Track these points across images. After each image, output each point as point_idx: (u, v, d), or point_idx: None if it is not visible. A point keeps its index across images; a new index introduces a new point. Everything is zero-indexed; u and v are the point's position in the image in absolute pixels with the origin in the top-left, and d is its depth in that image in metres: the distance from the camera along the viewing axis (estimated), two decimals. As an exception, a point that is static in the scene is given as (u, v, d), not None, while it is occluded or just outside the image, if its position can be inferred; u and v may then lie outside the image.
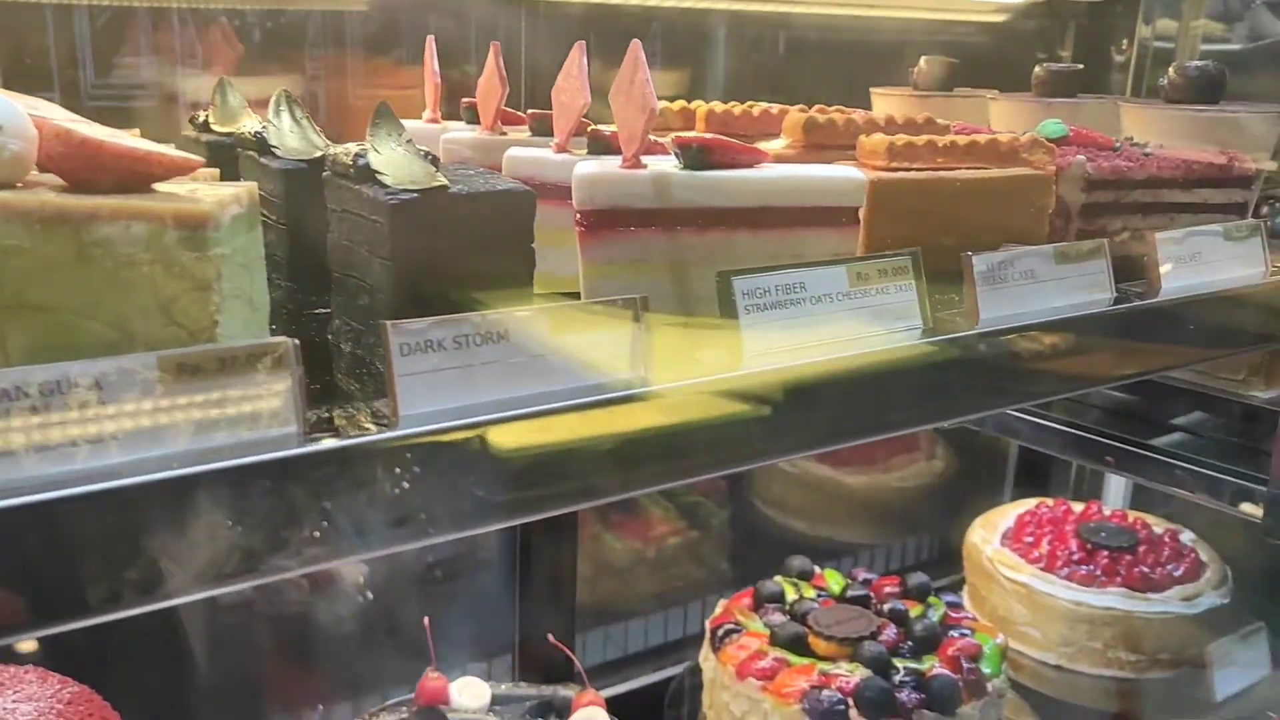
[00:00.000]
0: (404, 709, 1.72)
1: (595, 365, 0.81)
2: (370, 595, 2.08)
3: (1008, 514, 2.49)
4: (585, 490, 0.84)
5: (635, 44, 0.97)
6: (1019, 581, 2.25)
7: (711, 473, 0.86)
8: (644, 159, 1.00)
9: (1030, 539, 2.37)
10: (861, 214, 1.10)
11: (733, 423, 0.84)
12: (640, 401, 0.82)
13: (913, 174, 1.12)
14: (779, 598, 2.06)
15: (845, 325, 0.91)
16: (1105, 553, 2.28)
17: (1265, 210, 1.85)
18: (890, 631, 1.94)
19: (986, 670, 1.89)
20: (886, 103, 1.87)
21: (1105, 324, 1.05)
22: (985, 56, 2.48)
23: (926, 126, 1.26)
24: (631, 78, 0.96)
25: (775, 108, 1.40)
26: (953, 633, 1.97)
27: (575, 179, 0.97)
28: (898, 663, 1.88)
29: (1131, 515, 2.47)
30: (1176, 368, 1.16)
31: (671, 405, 0.82)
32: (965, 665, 1.85)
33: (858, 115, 1.28)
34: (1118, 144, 1.27)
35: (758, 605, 2.06)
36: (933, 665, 1.87)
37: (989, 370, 0.98)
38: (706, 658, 1.97)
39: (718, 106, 1.39)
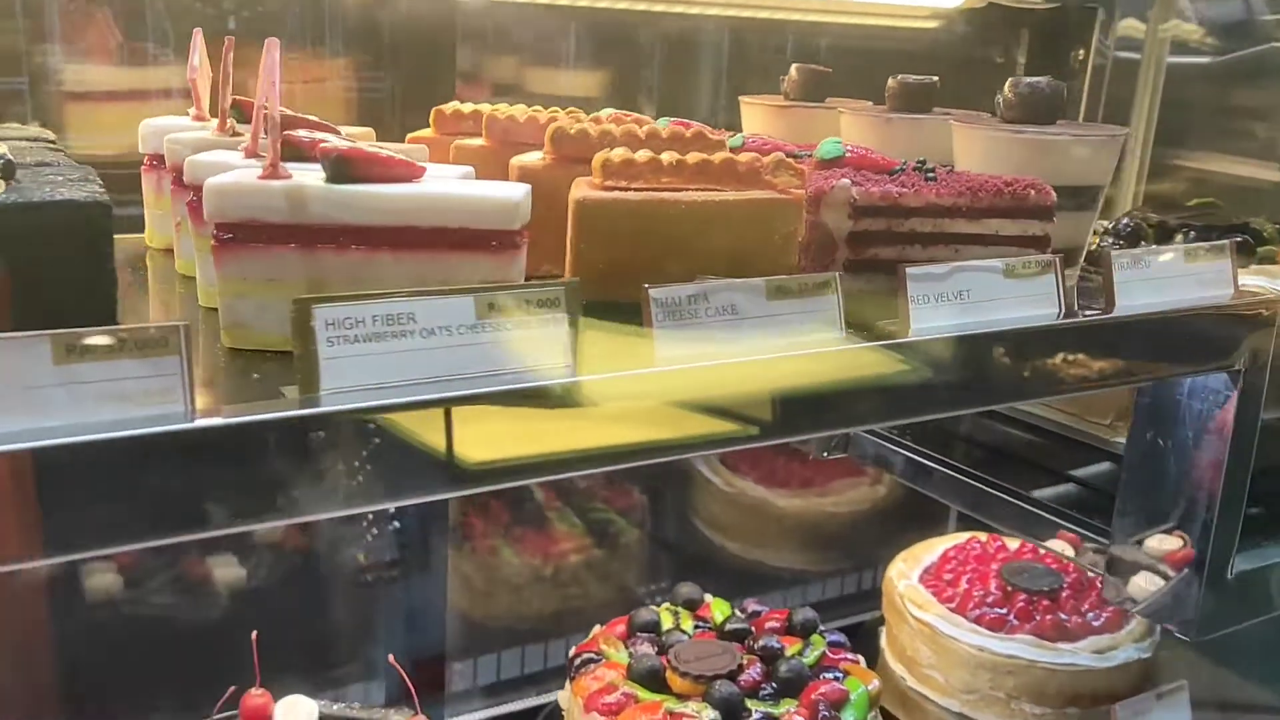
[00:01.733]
0: (228, 724, 1.67)
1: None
2: (241, 602, 2.05)
3: (935, 548, 2.36)
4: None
5: (270, 43, 0.90)
6: (924, 621, 2.13)
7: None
8: (292, 170, 0.92)
9: (950, 576, 2.24)
10: (569, 237, 1.01)
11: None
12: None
13: (629, 195, 1.02)
14: (653, 627, 1.98)
15: (468, 363, 0.83)
16: (1024, 596, 2.14)
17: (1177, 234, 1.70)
18: (755, 670, 1.84)
19: (848, 718, 1.77)
20: (753, 112, 1.76)
21: (775, 370, 0.95)
22: (939, 66, 2.35)
23: (694, 142, 1.16)
24: (266, 81, 0.89)
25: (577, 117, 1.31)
26: (825, 674, 1.86)
27: (205, 189, 0.90)
28: (753, 705, 1.78)
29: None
30: (911, 420, 1.04)
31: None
32: (823, 712, 1.74)
33: (629, 128, 1.18)
34: (899, 167, 1.16)
35: (631, 633, 1.97)
36: (789, 710, 1.77)
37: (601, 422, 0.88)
38: (565, 687, 1.89)
39: (513, 111, 1.31)
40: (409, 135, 1.37)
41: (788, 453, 2.65)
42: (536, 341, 0.85)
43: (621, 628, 1.99)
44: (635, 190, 1.03)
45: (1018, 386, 1.09)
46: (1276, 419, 1.55)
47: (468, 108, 1.37)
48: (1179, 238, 1.71)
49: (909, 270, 1.04)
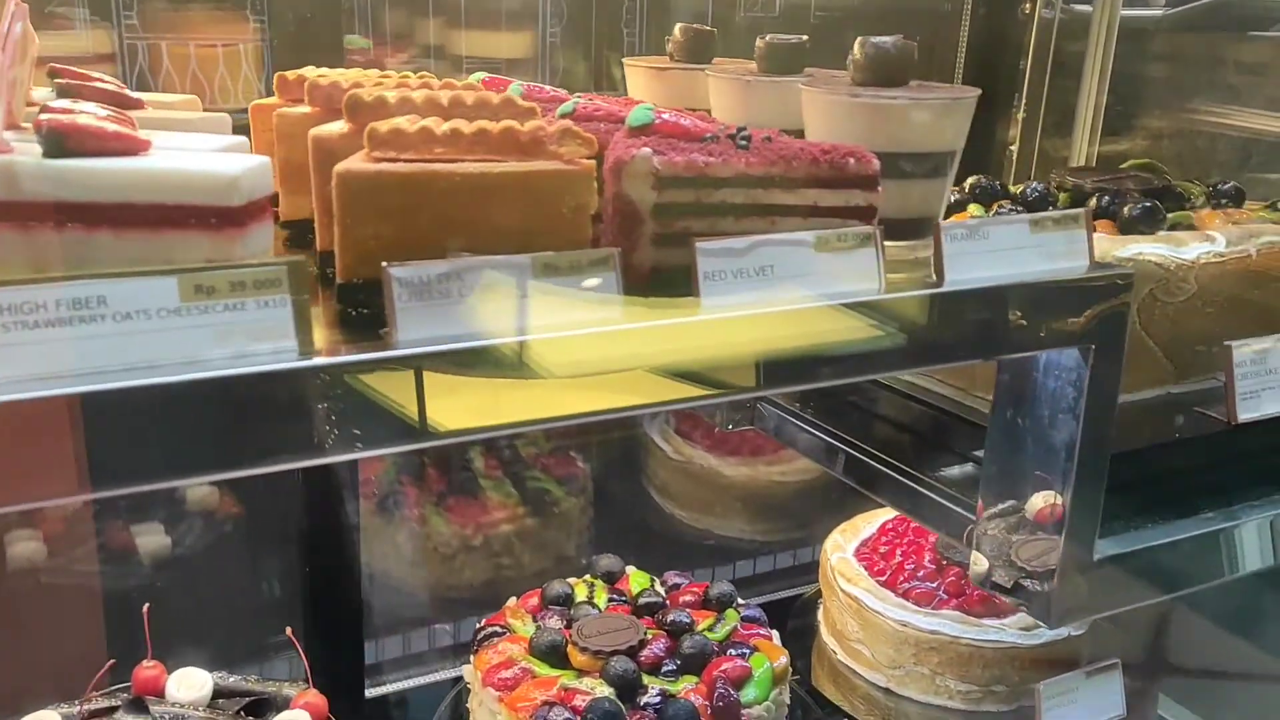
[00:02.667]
0: (121, 695, 1.68)
1: None
2: (160, 571, 2.06)
3: (875, 520, 2.32)
4: None
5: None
6: (852, 595, 2.08)
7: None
8: (16, 143, 0.89)
9: (885, 549, 2.20)
10: (335, 214, 0.97)
11: None
12: None
13: (396, 167, 0.98)
14: (565, 600, 1.95)
15: (169, 350, 0.80)
16: (956, 570, 2.08)
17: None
18: (659, 646, 1.81)
19: (749, 695, 1.74)
20: (636, 75, 1.70)
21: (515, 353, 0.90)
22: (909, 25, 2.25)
23: (502, 109, 1.11)
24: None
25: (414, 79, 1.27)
26: (732, 650, 1.82)
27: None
28: (652, 681, 1.75)
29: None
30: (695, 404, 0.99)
31: None
32: (720, 689, 1.71)
33: (431, 95, 1.13)
34: (711, 135, 1.10)
35: (543, 606, 1.95)
36: (687, 687, 1.74)
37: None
38: (469, 660, 1.88)
39: (337, 76, 1.27)
40: (253, 103, 1.34)
41: (735, 421, 2.60)
42: (254, 326, 0.82)
43: (535, 600, 1.97)
44: (405, 162, 0.98)
45: (827, 366, 1.04)
46: (1149, 398, 1.48)
47: (312, 72, 1.33)
48: (1093, 203, 1.63)
49: (700, 245, 0.99)
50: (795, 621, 2.29)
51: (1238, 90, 2.14)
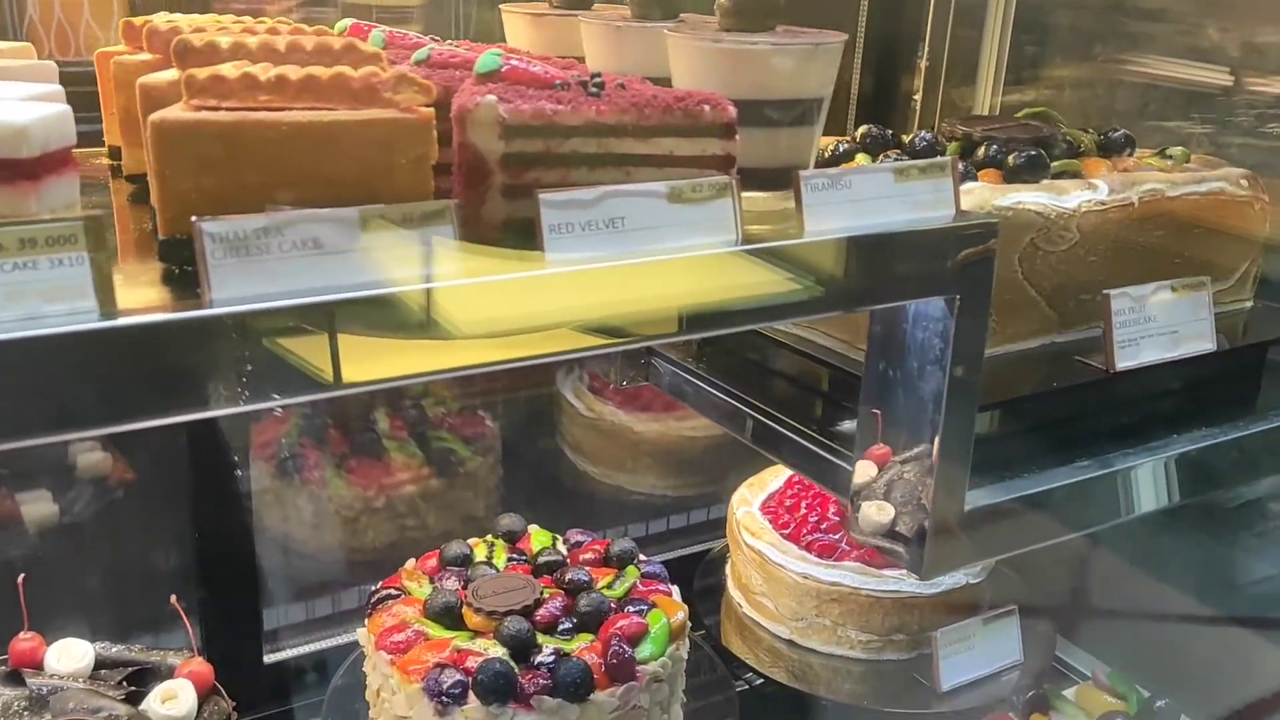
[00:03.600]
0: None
1: None
2: (47, 540, 2.00)
3: (781, 474, 2.31)
4: None
5: None
6: (755, 549, 2.08)
7: None
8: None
9: (790, 503, 2.20)
10: (152, 165, 0.92)
11: None
12: None
13: (216, 115, 0.93)
14: (464, 561, 1.93)
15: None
16: (860, 521, 2.08)
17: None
18: (556, 605, 1.79)
19: (645, 652, 1.73)
20: (514, 22, 1.65)
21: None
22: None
23: (343, 55, 1.06)
24: None
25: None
26: (629, 608, 1.81)
27: None
28: (547, 641, 1.74)
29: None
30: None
31: None
32: (615, 647, 1.70)
33: (265, 40, 1.08)
34: (560, 82, 1.06)
35: (442, 567, 1.92)
36: (583, 645, 1.72)
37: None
38: (362, 622, 1.85)
39: (178, 20, 1.21)
40: (97, 50, 1.28)
41: (644, 376, 2.59)
42: (48, 286, 0.77)
43: (434, 562, 1.95)
44: (227, 110, 0.93)
45: (681, 320, 1.02)
46: (1033, 348, 1.48)
47: (161, 18, 1.27)
48: (980, 152, 1.62)
49: (544, 196, 0.96)
50: (705, 577, 2.29)
51: (1136, 38, 2.13)
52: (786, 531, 2.11)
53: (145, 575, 2.04)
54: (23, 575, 1.67)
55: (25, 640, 1.64)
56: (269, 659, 2.07)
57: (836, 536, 2.08)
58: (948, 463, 1.20)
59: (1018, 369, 1.47)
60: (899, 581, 1.99)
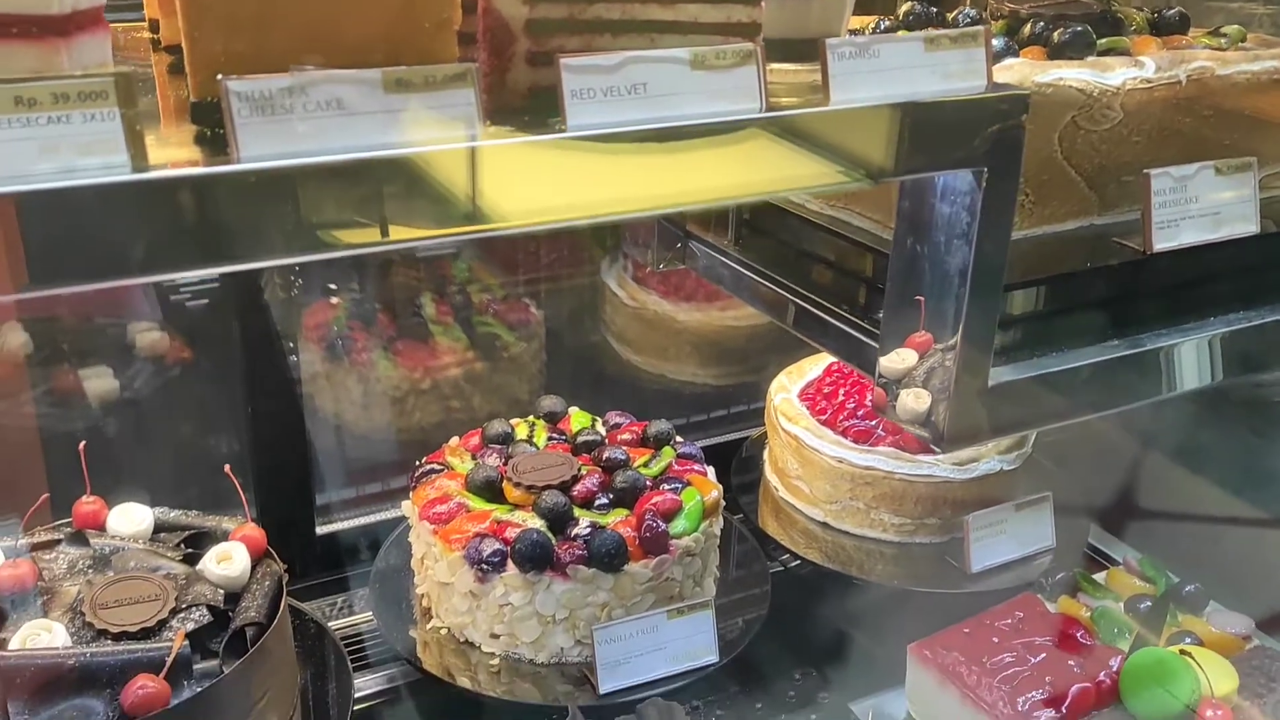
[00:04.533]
0: (63, 529, 1.72)
1: None
2: (108, 414, 2.08)
3: (820, 362, 2.33)
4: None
5: None
6: (791, 433, 2.11)
7: None
8: None
9: (829, 390, 2.21)
10: (182, 27, 0.94)
11: None
12: None
13: (245, -21, 0.95)
14: (505, 439, 1.98)
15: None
16: (897, 409, 2.10)
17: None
18: (592, 481, 1.84)
19: (679, 527, 1.78)
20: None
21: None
22: None
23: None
24: None
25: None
26: (665, 486, 1.86)
27: None
28: (584, 514, 1.79)
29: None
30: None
31: None
32: (649, 521, 1.75)
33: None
34: (584, -53, 1.06)
35: (484, 445, 1.98)
36: (618, 519, 1.78)
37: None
38: (408, 496, 1.92)
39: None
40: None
41: (687, 265, 2.59)
42: (81, 140, 0.80)
43: (476, 440, 2.00)
44: (249, -25, 0.95)
45: (705, 187, 1.02)
46: (1071, 230, 1.46)
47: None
48: (1027, 29, 1.58)
49: (565, 61, 0.96)
50: (742, 464, 2.33)
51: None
52: (823, 417, 2.13)
53: (201, 448, 2.12)
54: (83, 443, 1.75)
55: (88, 504, 1.73)
56: (320, 530, 2.15)
57: (873, 423, 2.09)
58: (972, 336, 1.21)
59: (1053, 250, 1.46)
60: (933, 467, 2.01)
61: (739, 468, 2.30)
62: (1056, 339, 1.35)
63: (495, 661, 1.75)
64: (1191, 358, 1.37)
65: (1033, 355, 1.32)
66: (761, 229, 1.69)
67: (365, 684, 1.91)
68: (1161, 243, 1.40)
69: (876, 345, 1.37)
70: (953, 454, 2.02)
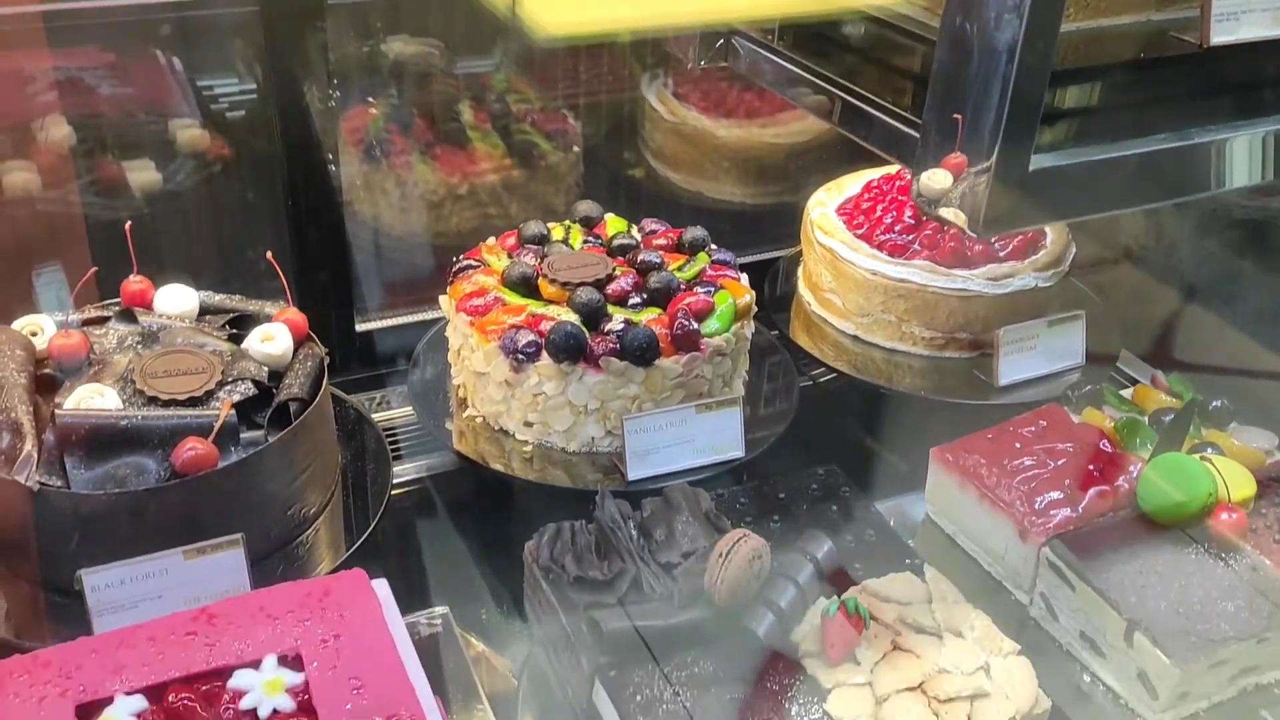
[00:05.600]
0: (112, 308, 1.77)
1: None
2: (151, 204, 2.11)
3: (860, 179, 2.31)
4: None
5: None
6: (827, 246, 2.11)
7: None
8: None
9: (868, 205, 2.20)
10: None
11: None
12: None
13: None
14: (541, 239, 2.00)
15: None
16: (935, 225, 2.09)
17: None
18: (626, 281, 1.86)
19: (710, 327, 1.80)
20: None
21: None
22: None
23: None
24: None
25: None
26: (698, 288, 1.88)
27: None
28: (617, 311, 1.82)
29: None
30: None
31: None
32: (681, 320, 1.77)
33: None
34: None
35: (520, 245, 2.00)
36: (650, 317, 1.80)
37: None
38: (445, 292, 1.95)
39: None
40: None
41: (728, 79, 2.55)
42: None
43: (512, 240, 2.02)
44: None
45: None
46: (1127, 24, 1.42)
47: None
48: None
49: None
50: (776, 280, 2.34)
51: None
52: (860, 232, 2.13)
53: (243, 242, 2.15)
54: (129, 222, 1.78)
55: (135, 282, 1.77)
56: (359, 328, 2.19)
57: (909, 238, 2.09)
58: (1017, 116, 1.19)
59: (1107, 43, 1.42)
60: (967, 281, 2.01)
61: (773, 284, 2.31)
62: (1103, 130, 1.33)
63: (528, 449, 1.80)
64: (1242, 154, 1.35)
65: (1078, 145, 1.30)
66: (805, 23, 1.65)
67: (403, 471, 1.98)
68: (1219, 36, 1.36)
69: (918, 135, 1.36)
70: (990, 270, 2.01)
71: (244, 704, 1.21)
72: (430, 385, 1.97)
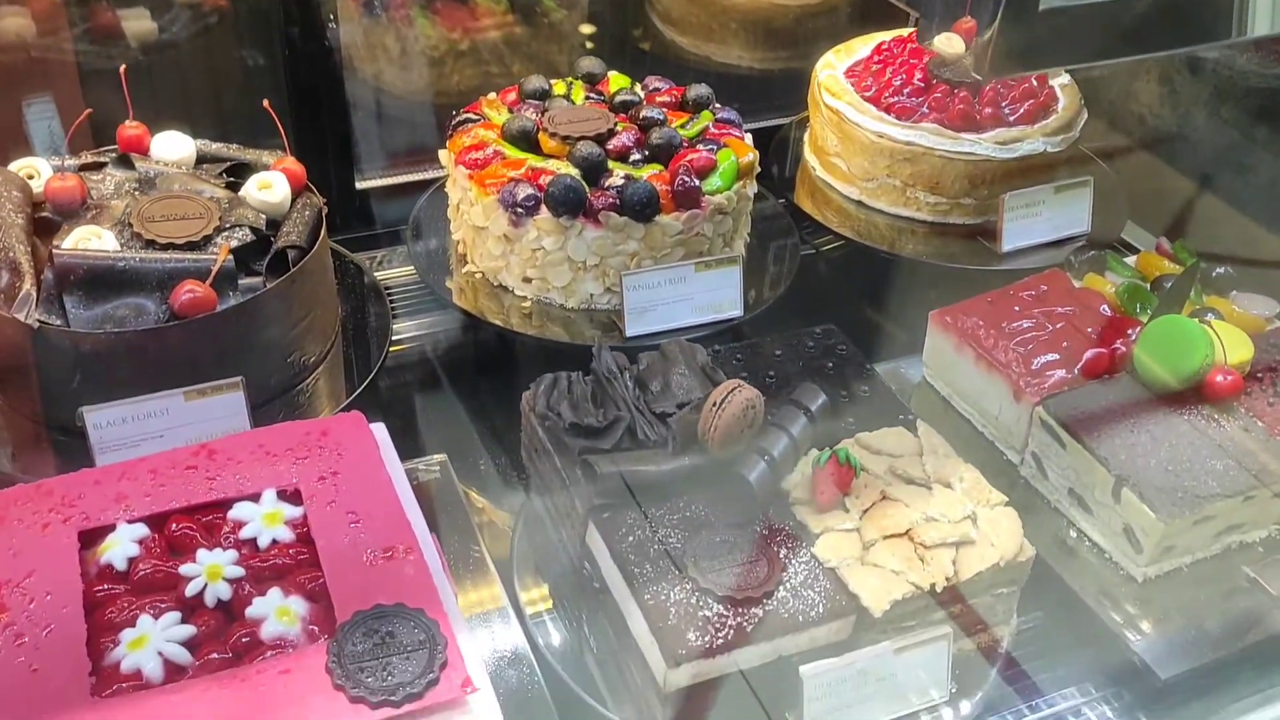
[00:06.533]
0: (109, 154, 1.75)
1: None
2: (147, 54, 2.07)
3: (871, 41, 2.26)
4: None
5: None
6: (833, 109, 2.08)
7: None
8: None
9: (877, 68, 2.16)
10: None
11: None
12: None
13: None
14: (543, 95, 1.97)
15: None
16: (945, 88, 2.05)
17: None
18: (628, 137, 1.84)
19: (712, 184, 1.79)
20: None
21: None
22: None
23: None
24: None
25: None
26: (700, 146, 1.85)
27: None
28: (618, 167, 1.80)
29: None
30: None
31: None
32: (682, 176, 1.76)
33: None
34: None
35: (521, 100, 1.97)
36: (652, 173, 1.78)
37: None
38: (445, 146, 1.92)
39: None
40: None
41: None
42: None
43: (513, 95, 1.99)
44: None
45: None
46: None
47: None
48: None
49: None
50: (781, 145, 2.31)
51: None
52: (868, 94, 2.09)
53: (240, 91, 2.12)
54: (124, 66, 1.76)
55: (131, 128, 1.75)
56: (359, 185, 2.17)
57: (918, 100, 2.05)
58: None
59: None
60: (974, 144, 1.98)
61: (777, 150, 2.28)
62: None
63: (527, 305, 1.81)
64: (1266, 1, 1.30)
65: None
66: None
67: (402, 329, 1.99)
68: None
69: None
70: (999, 134, 1.98)
71: (244, 534, 1.24)
72: (429, 242, 1.96)
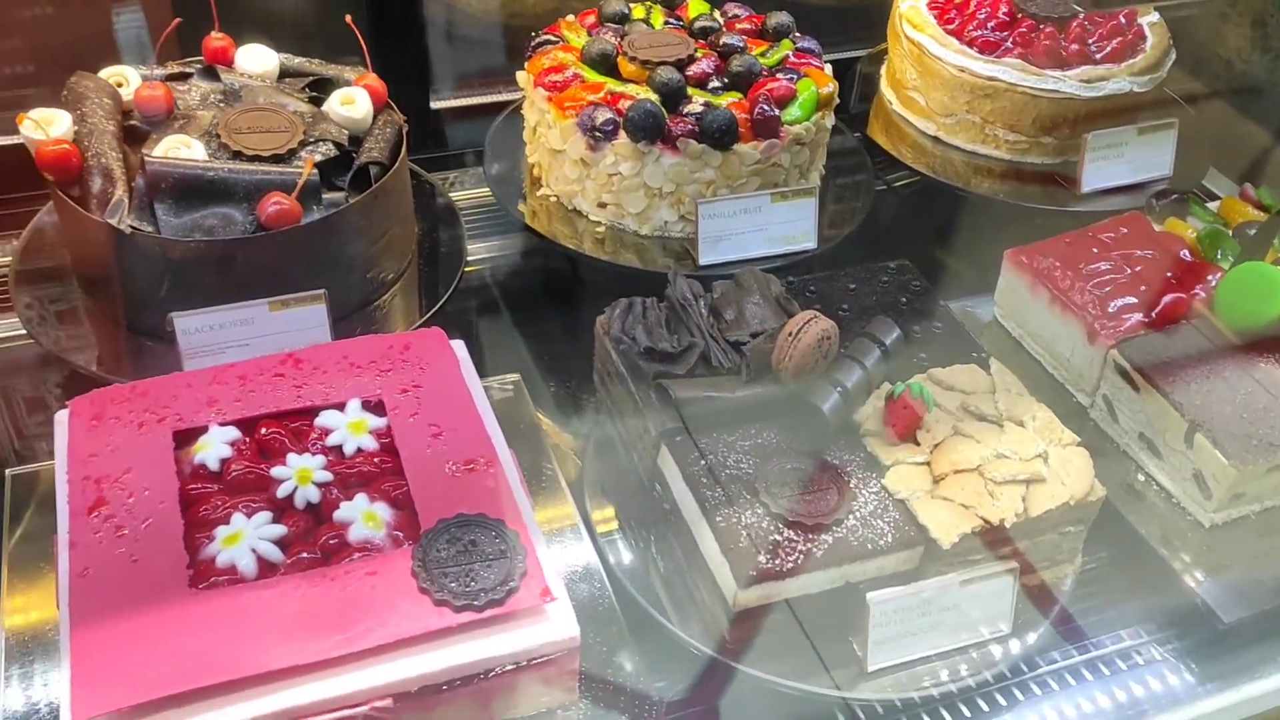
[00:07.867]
0: (195, 65, 1.77)
1: None
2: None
3: (957, -29, 2.20)
4: None
5: None
6: (914, 41, 2.05)
7: None
8: None
9: (960, 1, 2.11)
10: None
11: None
12: None
13: None
14: (622, 18, 1.95)
15: None
16: (1031, 23, 2.01)
17: None
18: (708, 63, 1.83)
19: (791, 114, 1.78)
20: None
21: None
22: None
23: None
24: None
25: None
26: (780, 75, 1.84)
27: None
28: (697, 94, 1.79)
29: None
30: None
31: None
32: (761, 105, 1.75)
33: None
34: None
35: (600, 23, 1.96)
36: (731, 101, 1.77)
37: None
38: (523, 68, 1.92)
39: None
40: None
41: None
42: None
43: (592, 18, 1.98)
44: None
45: None
46: None
47: None
48: None
49: None
50: (858, 79, 2.28)
51: None
52: (951, 27, 2.05)
53: (321, 6, 2.11)
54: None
55: (217, 39, 1.77)
56: (434, 105, 2.18)
57: (1002, 34, 2.01)
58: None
59: None
60: (1059, 82, 1.94)
61: (855, 84, 2.25)
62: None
63: (601, 230, 1.81)
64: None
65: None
66: None
67: (476, 250, 2.01)
68: None
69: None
70: (1084, 72, 1.94)
71: (330, 440, 1.28)
72: (505, 164, 1.97)
